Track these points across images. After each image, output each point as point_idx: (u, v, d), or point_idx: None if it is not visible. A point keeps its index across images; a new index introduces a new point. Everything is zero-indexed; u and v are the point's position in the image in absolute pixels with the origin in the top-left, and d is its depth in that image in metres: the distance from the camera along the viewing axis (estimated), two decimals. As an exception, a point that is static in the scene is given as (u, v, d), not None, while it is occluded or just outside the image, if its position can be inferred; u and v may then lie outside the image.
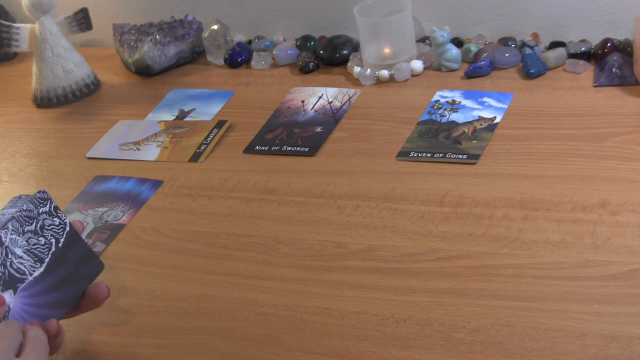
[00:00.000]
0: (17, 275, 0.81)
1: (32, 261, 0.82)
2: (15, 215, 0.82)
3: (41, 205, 0.84)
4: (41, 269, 0.83)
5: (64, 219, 0.85)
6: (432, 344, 0.83)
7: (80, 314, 0.87)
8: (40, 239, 0.83)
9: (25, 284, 0.82)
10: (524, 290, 0.87)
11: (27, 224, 0.83)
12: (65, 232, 0.85)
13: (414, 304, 0.88)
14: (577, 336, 0.81)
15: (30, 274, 0.82)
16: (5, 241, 0.81)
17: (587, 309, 0.84)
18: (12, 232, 0.81)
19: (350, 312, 0.89)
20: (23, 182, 1.23)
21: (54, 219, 0.84)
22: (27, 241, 0.82)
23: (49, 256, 0.84)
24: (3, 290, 0.80)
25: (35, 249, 0.83)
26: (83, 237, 0.88)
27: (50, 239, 0.84)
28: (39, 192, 0.84)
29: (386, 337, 0.85)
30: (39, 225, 0.84)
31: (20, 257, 0.82)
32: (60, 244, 0.84)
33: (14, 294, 0.81)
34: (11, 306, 0.81)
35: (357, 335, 0.86)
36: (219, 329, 0.90)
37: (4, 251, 0.80)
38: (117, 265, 1.01)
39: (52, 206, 0.84)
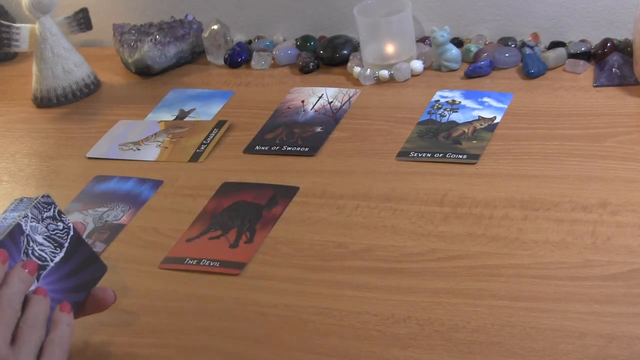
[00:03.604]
0: (39, 262, 0.81)
1: (53, 247, 0.83)
2: (34, 204, 0.82)
3: (45, 210, 0.84)
4: (61, 254, 0.83)
5: (68, 223, 0.85)
6: (432, 344, 0.83)
7: (83, 316, 0.88)
8: (59, 224, 0.84)
9: (47, 270, 0.82)
10: (524, 290, 0.87)
11: (45, 210, 0.83)
12: (70, 236, 0.85)
13: (414, 304, 0.88)
14: (577, 336, 0.81)
15: (52, 260, 0.82)
16: (26, 229, 0.81)
17: (587, 309, 0.84)
18: (32, 220, 0.82)
19: (350, 312, 0.89)
20: (23, 182, 1.23)
21: (58, 224, 0.85)
22: (46, 227, 0.83)
23: (68, 241, 0.84)
24: None
25: (54, 234, 0.83)
26: (83, 237, 0.88)
27: (68, 223, 0.85)
28: (42, 196, 0.84)
29: (386, 337, 0.85)
30: (56, 211, 0.84)
31: (41, 244, 0.82)
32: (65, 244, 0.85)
33: (37, 282, 0.81)
34: None
35: (357, 335, 0.86)
36: (219, 329, 0.90)
37: (25, 239, 0.81)
38: (117, 265, 1.01)
39: (56, 210, 0.85)
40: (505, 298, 0.87)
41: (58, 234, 0.84)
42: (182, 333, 0.91)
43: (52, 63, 1.41)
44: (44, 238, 0.82)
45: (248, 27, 1.52)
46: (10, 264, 0.79)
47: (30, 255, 0.81)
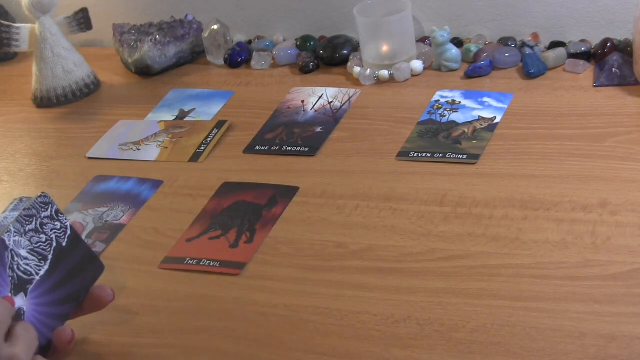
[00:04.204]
0: (25, 276, 0.81)
1: (37, 260, 0.82)
2: (16, 217, 0.82)
3: (43, 209, 0.83)
4: (46, 267, 0.83)
5: (65, 222, 0.85)
6: (432, 344, 0.83)
7: (82, 315, 0.87)
8: (41, 236, 0.83)
9: (33, 284, 0.81)
10: (524, 290, 0.87)
11: (27, 223, 0.83)
12: (67, 235, 0.85)
13: (414, 304, 0.88)
14: (577, 336, 0.81)
15: (37, 273, 0.82)
16: (10, 244, 0.80)
17: (587, 309, 0.84)
18: (15, 234, 0.81)
19: (350, 312, 0.89)
20: (23, 182, 1.23)
21: (56, 223, 0.84)
22: (29, 240, 0.82)
23: (51, 253, 0.84)
24: (15, 294, 0.80)
25: (38, 247, 0.83)
26: (83, 237, 0.88)
27: (51, 234, 0.84)
28: (40, 196, 0.84)
29: (386, 337, 0.85)
30: (38, 223, 0.83)
31: (26, 258, 0.81)
32: (63, 244, 0.84)
33: (26, 297, 0.81)
34: (25, 309, 0.80)
35: (357, 335, 0.86)
36: (219, 329, 0.90)
37: (9, 255, 0.80)
38: (116, 265, 1.01)
39: (54, 210, 0.84)
40: (505, 298, 0.87)
41: (41, 247, 0.83)
42: (182, 333, 0.91)
43: (52, 63, 1.41)
44: (27, 252, 0.82)
45: (248, 27, 1.52)
46: None
47: (16, 271, 0.80)
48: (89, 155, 1.27)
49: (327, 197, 1.07)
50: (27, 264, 0.81)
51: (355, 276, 0.94)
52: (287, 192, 1.09)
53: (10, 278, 0.79)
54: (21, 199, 0.85)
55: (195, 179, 1.16)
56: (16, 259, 0.80)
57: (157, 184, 1.17)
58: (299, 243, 1.00)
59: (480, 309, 0.86)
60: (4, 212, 0.84)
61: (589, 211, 0.96)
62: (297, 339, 0.87)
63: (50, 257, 0.83)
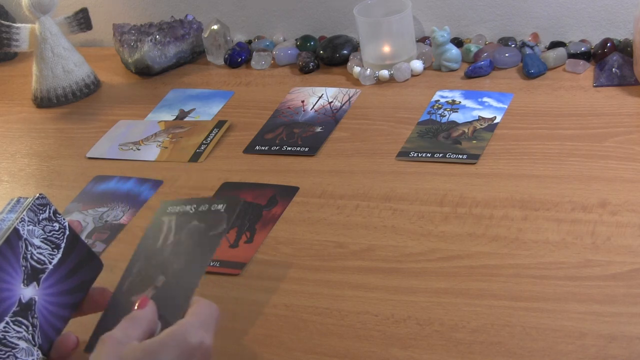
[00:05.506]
0: (38, 266, 0.81)
1: (50, 249, 0.82)
2: (30, 206, 0.82)
3: (41, 211, 0.84)
4: (59, 255, 0.83)
5: (64, 223, 0.85)
6: (432, 344, 0.83)
7: (81, 315, 0.87)
8: (54, 224, 0.83)
9: (46, 273, 0.81)
10: (524, 290, 0.87)
11: (41, 211, 0.83)
12: (65, 235, 0.85)
13: (414, 304, 0.88)
14: (577, 336, 0.81)
15: (50, 262, 0.82)
16: (24, 234, 0.80)
17: (587, 309, 0.84)
18: (29, 223, 0.81)
19: (350, 312, 0.89)
20: (23, 182, 1.23)
21: (54, 224, 0.84)
22: (43, 229, 0.82)
23: (64, 241, 0.84)
24: (27, 284, 0.80)
25: (51, 235, 0.83)
26: (83, 237, 0.88)
27: (64, 222, 0.84)
28: (37, 197, 0.84)
29: (386, 337, 0.85)
30: (52, 211, 0.83)
31: (39, 247, 0.81)
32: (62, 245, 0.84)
33: (38, 286, 0.81)
34: (36, 299, 0.80)
35: (357, 335, 0.86)
36: (219, 329, 0.90)
37: (24, 244, 0.80)
38: (117, 266, 1.01)
39: (52, 211, 0.84)
40: (505, 298, 0.87)
41: (54, 235, 0.83)
42: (182, 333, 0.90)
43: (52, 63, 1.41)
44: (41, 241, 0.82)
45: (248, 27, 1.52)
46: (8, 270, 0.78)
47: (29, 260, 0.80)
48: (89, 155, 1.27)
49: (327, 197, 1.07)
50: (41, 253, 0.81)
51: (355, 276, 0.94)
52: (287, 192, 1.09)
53: (24, 268, 0.80)
54: (18, 200, 0.85)
55: (195, 179, 1.16)
56: (29, 248, 0.80)
57: (157, 184, 1.17)
58: (299, 243, 1.00)
59: (480, 309, 0.86)
60: (1, 213, 0.83)
61: (589, 211, 0.96)
62: (297, 339, 0.87)
63: (63, 245, 0.83)
